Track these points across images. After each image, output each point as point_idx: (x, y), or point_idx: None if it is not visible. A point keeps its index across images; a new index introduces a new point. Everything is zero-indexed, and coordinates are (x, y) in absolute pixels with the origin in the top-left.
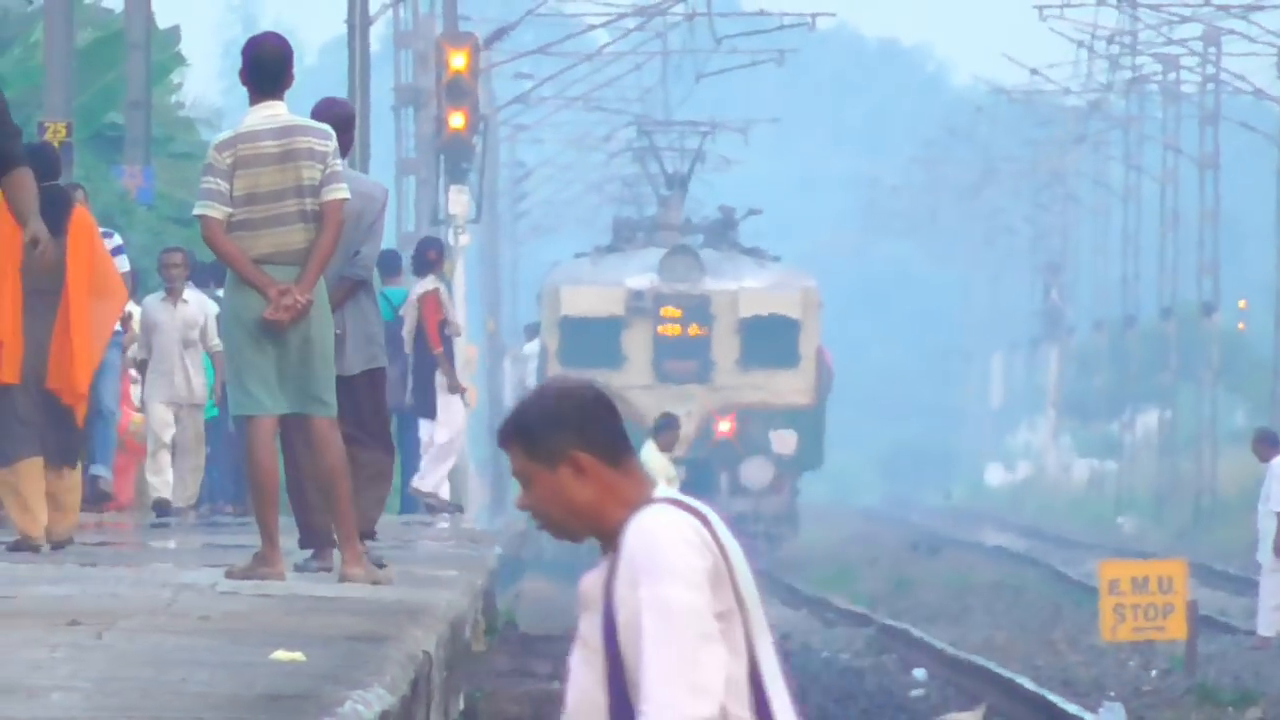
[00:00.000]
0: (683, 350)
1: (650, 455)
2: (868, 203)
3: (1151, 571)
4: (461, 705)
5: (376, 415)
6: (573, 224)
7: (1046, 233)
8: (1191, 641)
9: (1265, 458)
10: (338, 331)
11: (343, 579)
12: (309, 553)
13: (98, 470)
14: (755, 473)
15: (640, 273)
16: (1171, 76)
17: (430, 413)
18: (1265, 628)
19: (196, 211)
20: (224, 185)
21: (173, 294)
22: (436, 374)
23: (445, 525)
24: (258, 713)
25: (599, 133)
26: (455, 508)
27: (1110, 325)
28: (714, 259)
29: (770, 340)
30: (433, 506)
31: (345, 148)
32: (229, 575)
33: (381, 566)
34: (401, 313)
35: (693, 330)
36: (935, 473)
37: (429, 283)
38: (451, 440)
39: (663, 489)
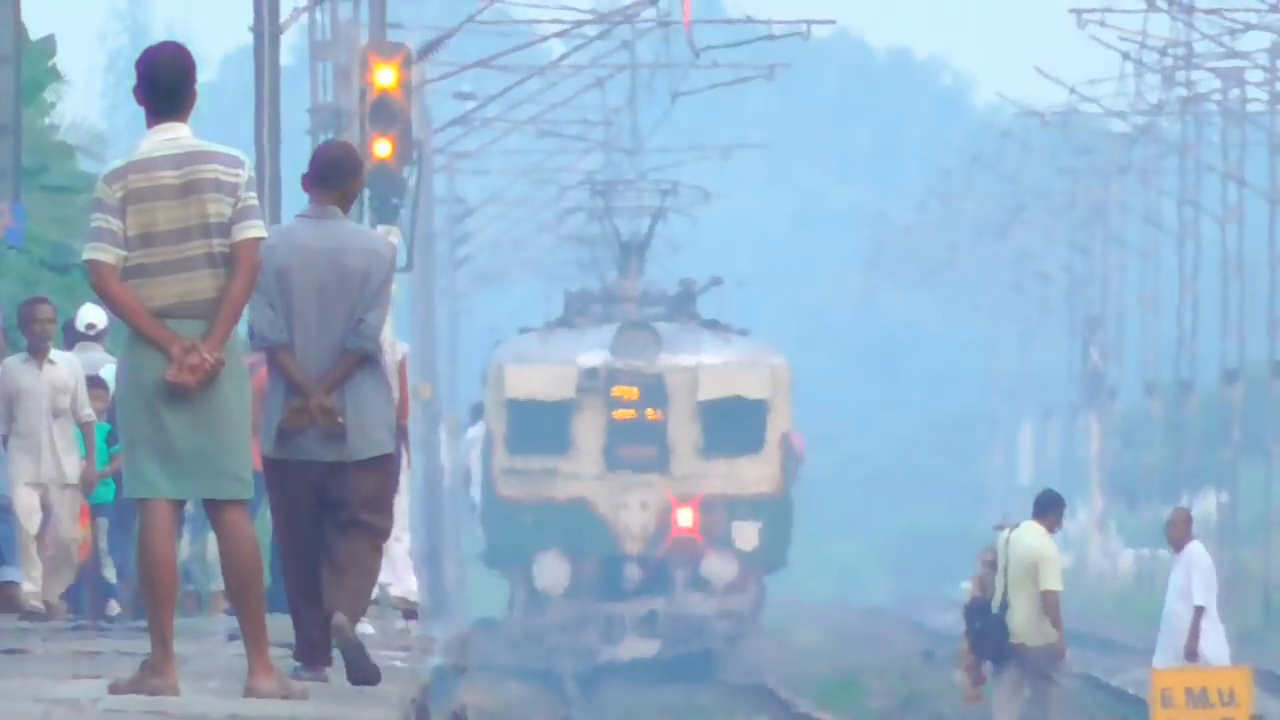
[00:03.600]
0: (638, 435)
1: (1035, 537)
2: (874, 243)
3: (1210, 681)
4: None
5: (374, 507)
6: (523, 269)
7: (1086, 280)
8: None
9: (1180, 545)
10: (340, 419)
11: (249, 693)
12: (296, 664)
13: (6, 574)
14: (717, 568)
15: (593, 349)
16: (1234, 94)
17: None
18: None
19: (85, 256)
20: (116, 223)
21: (38, 354)
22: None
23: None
24: None
25: (554, 164)
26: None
27: (1163, 391)
28: (672, 333)
29: (733, 423)
30: (411, 612)
31: (351, 199)
32: (113, 689)
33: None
34: None
35: (649, 414)
36: (954, 564)
37: (401, 344)
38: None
39: None
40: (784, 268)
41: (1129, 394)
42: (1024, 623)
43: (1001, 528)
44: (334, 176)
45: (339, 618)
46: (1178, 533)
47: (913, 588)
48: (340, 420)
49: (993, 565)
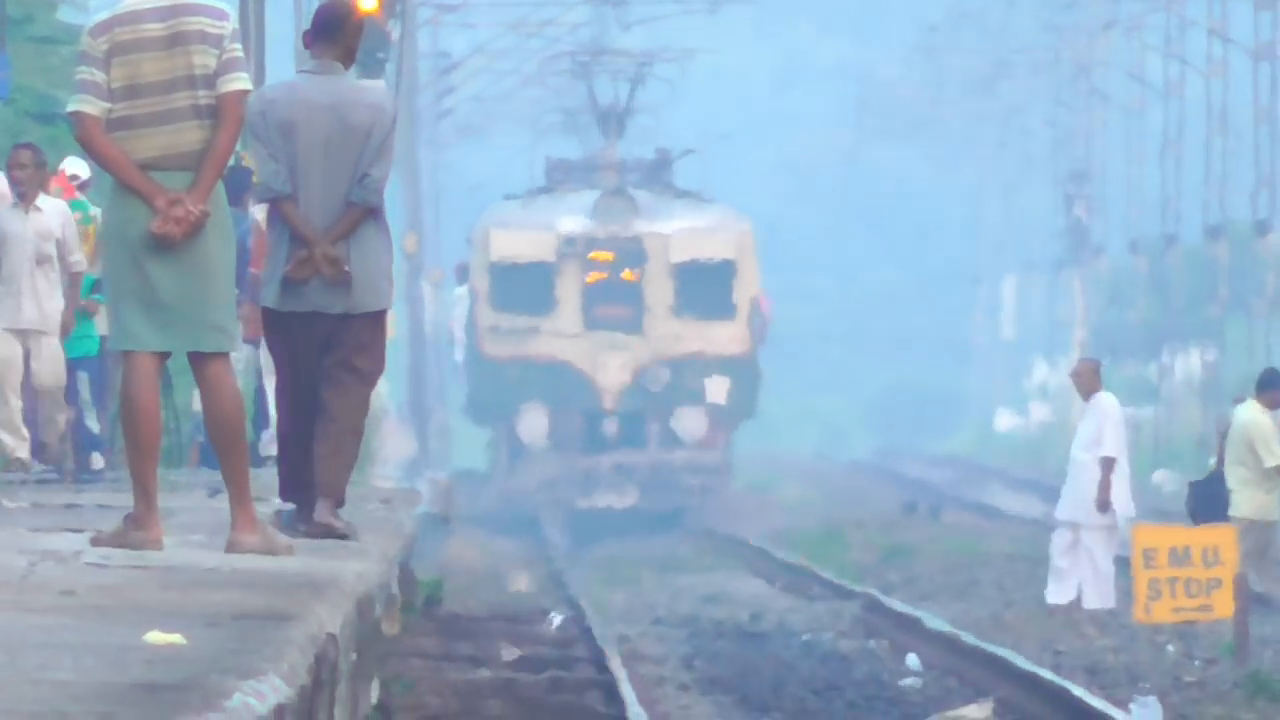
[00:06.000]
0: (614, 296)
1: (1251, 413)
2: (860, 99)
3: (1194, 540)
4: (375, 696)
5: (371, 360)
6: (507, 123)
7: (1071, 136)
8: (1241, 623)
9: (1089, 394)
10: (346, 268)
11: (231, 547)
12: (289, 508)
13: None
14: (688, 423)
15: (573, 215)
16: None
17: None
18: (1058, 594)
19: (70, 108)
20: (101, 76)
21: (24, 199)
22: None
23: None
24: (130, 705)
25: (539, 16)
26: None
27: (1147, 247)
28: (648, 201)
29: (704, 286)
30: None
31: (352, 54)
32: (95, 542)
33: (341, 534)
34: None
35: (625, 275)
36: (936, 419)
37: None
38: None
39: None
40: (770, 123)
41: (1112, 250)
42: (1236, 496)
43: (1240, 400)
44: (335, 31)
45: (322, 512)
46: (1085, 383)
47: (895, 442)
48: (346, 269)
49: (1225, 437)
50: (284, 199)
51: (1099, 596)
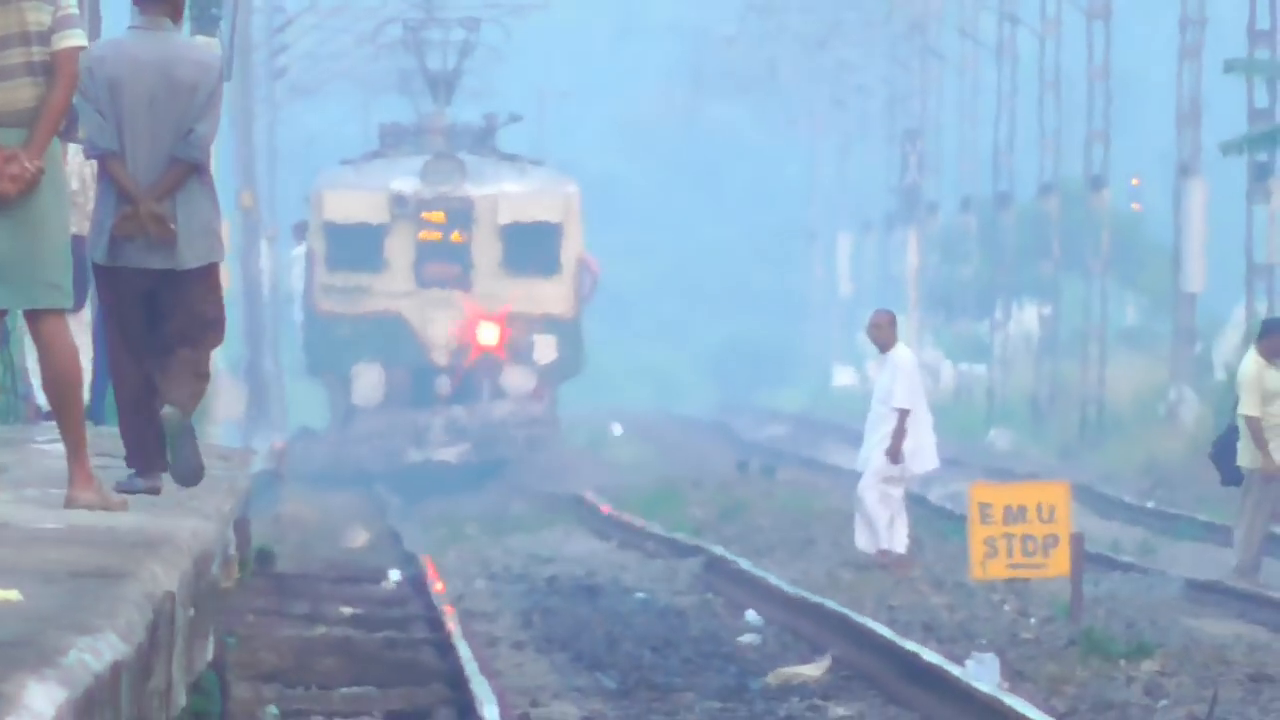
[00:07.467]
0: (444, 255)
1: (1244, 363)
2: (695, 57)
3: (1029, 497)
4: (210, 653)
5: (206, 317)
6: (342, 82)
7: (904, 94)
8: (1076, 581)
9: (886, 346)
10: (171, 226)
11: (68, 503)
12: (130, 470)
13: None
14: (517, 379)
15: (403, 178)
16: None
17: None
18: (867, 543)
19: None
20: None
21: None
22: None
23: None
24: None
25: None
26: None
27: (980, 204)
28: (476, 164)
29: (531, 247)
30: None
31: (179, 10)
32: None
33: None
34: None
35: (454, 236)
36: (773, 374)
37: None
38: None
39: None
40: (606, 81)
41: (946, 207)
42: (1240, 446)
43: None
44: None
45: (169, 408)
46: (882, 334)
47: (732, 397)
48: (171, 227)
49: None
50: (111, 156)
51: (895, 540)
